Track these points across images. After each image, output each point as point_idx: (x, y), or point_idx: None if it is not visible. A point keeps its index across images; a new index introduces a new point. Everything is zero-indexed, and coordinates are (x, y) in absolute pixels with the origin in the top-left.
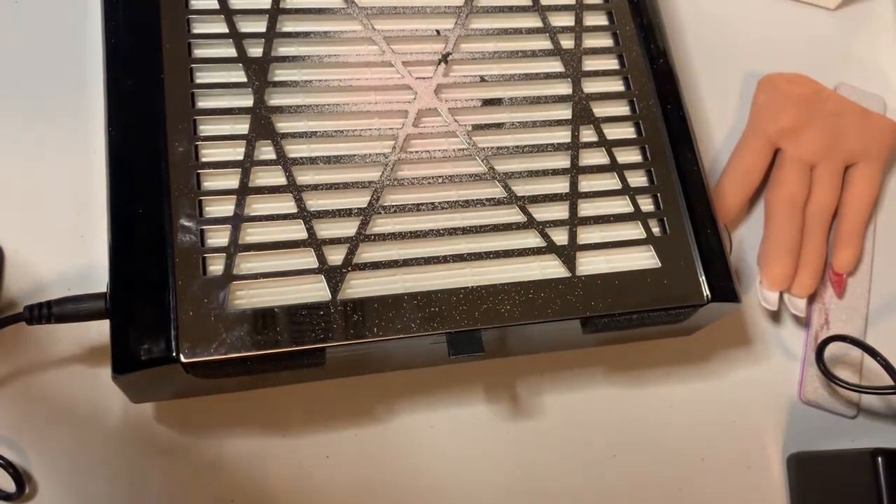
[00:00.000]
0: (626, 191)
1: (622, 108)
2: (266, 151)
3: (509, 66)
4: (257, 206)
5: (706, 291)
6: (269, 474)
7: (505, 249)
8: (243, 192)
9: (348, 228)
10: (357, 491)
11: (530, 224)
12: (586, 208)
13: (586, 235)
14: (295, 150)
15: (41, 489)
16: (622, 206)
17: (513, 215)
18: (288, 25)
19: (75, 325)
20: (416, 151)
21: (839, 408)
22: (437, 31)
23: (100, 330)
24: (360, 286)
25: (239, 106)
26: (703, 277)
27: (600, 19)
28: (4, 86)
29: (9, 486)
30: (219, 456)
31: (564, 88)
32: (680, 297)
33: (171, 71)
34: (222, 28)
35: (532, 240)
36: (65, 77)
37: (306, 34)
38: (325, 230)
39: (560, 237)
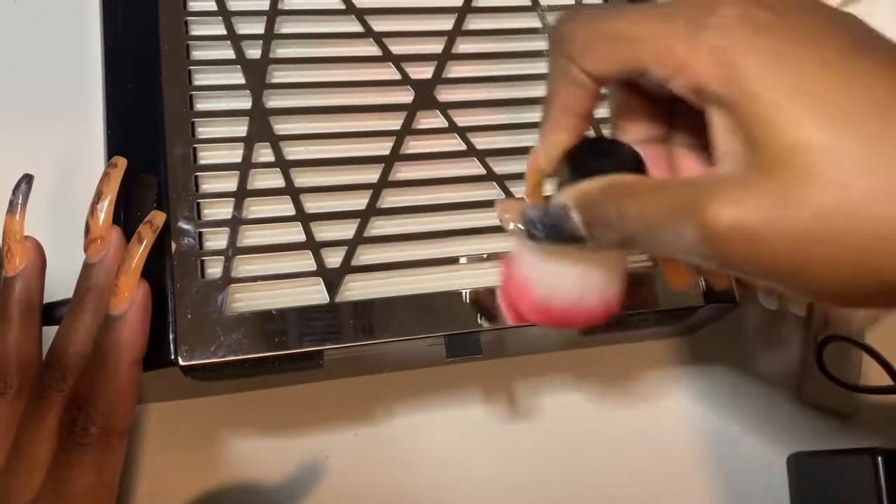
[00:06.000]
0: None
1: None
2: (264, 154)
3: (508, 67)
4: (255, 208)
5: (704, 293)
6: (267, 474)
7: (503, 251)
8: (241, 194)
9: (346, 231)
10: (357, 490)
11: None
12: None
13: None
14: (293, 151)
15: None
16: None
17: None
18: (286, 27)
19: None
20: (415, 153)
21: (839, 408)
22: (437, 32)
23: None
24: (358, 288)
25: (237, 108)
26: (702, 279)
27: None
28: (3, 87)
29: None
30: (218, 456)
31: None
32: (678, 299)
33: (169, 73)
34: (221, 30)
35: None
36: (64, 78)
37: (304, 35)
38: (323, 232)
39: None
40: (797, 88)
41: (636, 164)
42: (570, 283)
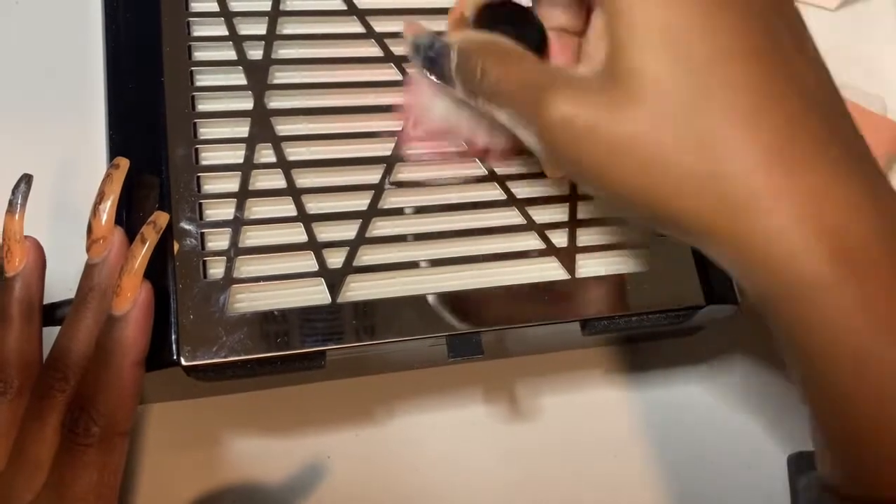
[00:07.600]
0: None
1: None
2: (266, 154)
3: None
4: (257, 209)
5: (705, 293)
6: (269, 474)
7: (504, 251)
8: (243, 195)
9: (348, 231)
10: (358, 491)
11: (530, 226)
12: (586, 210)
13: (586, 237)
14: (294, 152)
15: None
16: None
17: (512, 217)
18: (288, 28)
19: None
20: (417, 153)
21: None
22: (438, 32)
23: None
24: (360, 289)
25: (239, 109)
26: (702, 279)
27: None
28: (5, 88)
29: None
30: (218, 456)
31: None
32: (679, 300)
33: (171, 74)
34: (222, 31)
35: (531, 242)
36: (66, 79)
37: (306, 36)
38: (325, 233)
39: (559, 239)
40: (664, 23)
41: (538, 42)
42: (459, 120)
